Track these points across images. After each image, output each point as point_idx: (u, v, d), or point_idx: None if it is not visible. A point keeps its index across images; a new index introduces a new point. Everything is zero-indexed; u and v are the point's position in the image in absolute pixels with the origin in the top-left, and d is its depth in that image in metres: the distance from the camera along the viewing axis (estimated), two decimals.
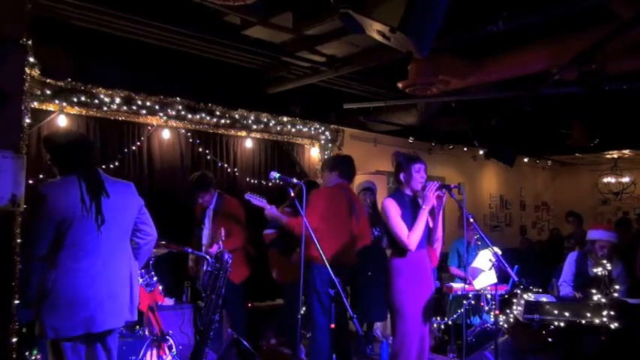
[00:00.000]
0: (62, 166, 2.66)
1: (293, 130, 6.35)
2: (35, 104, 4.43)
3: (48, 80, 4.47)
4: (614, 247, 4.49)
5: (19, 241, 3.60)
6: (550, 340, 3.96)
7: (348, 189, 4.38)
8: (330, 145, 6.69)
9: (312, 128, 6.52)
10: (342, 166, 4.35)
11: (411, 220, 3.42)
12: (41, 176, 4.45)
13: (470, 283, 5.24)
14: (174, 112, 5.29)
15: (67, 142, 2.70)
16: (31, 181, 4.02)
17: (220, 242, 3.99)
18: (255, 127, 6.01)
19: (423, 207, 3.39)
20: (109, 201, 2.63)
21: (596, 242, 4.49)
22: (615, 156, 9.77)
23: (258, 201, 4.22)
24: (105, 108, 4.89)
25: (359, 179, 6.39)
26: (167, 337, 4.00)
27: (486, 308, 5.47)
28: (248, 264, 4.77)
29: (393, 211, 3.42)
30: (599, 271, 4.20)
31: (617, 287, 4.30)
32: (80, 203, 2.53)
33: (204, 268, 4.04)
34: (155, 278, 4.05)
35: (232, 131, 5.95)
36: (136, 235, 2.82)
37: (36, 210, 2.50)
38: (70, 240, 2.50)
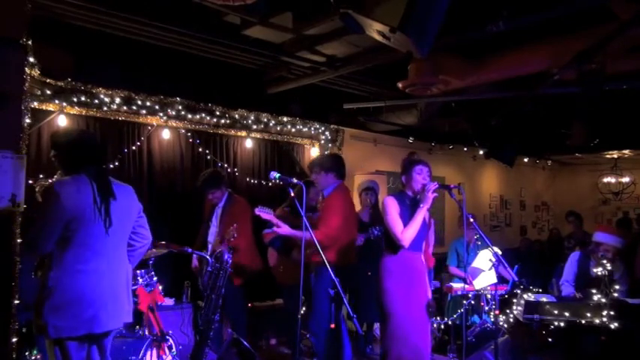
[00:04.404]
0: (71, 164, 2.61)
1: (293, 130, 6.35)
2: (35, 104, 4.43)
3: (48, 80, 4.47)
4: (618, 251, 4.47)
5: (19, 241, 3.60)
6: (550, 340, 3.97)
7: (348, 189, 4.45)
8: (330, 145, 6.68)
9: (312, 128, 6.52)
10: (338, 166, 4.26)
11: (408, 219, 3.45)
12: (41, 176, 4.44)
13: (470, 283, 5.24)
14: (174, 112, 5.28)
15: (77, 140, 2.68)
16: (30, 181, 4.02)
17: (232, 239, 3.98)
18: (255, 127, 6.01)
19: (421, 206, 3.42)
20: (115, 203, 2.64)
21: (601, 245, 4.46)
22: (615, 156, 9.76)
23: (266, 215, 4.07)
24: (105, 108, 4.89)
25: (360, 179, 6.40)
26: (167, 337, 4.00)
27: (486, 308, 5.47)
28: (252, 264, 4.77)
29: (392, 208, 3.47)
30: (599, 271, 4.20)
31: (617, 287, 4.29)
32: (92, 204, 2.53)
33: (206, 268, 4.05)
34: (155, 278, 4.05)
35: (232, 131, 5.95)
36: (131, 238, 2.83)
37: (47, 206, 2.47)
38: (79, 240, 2.50)
